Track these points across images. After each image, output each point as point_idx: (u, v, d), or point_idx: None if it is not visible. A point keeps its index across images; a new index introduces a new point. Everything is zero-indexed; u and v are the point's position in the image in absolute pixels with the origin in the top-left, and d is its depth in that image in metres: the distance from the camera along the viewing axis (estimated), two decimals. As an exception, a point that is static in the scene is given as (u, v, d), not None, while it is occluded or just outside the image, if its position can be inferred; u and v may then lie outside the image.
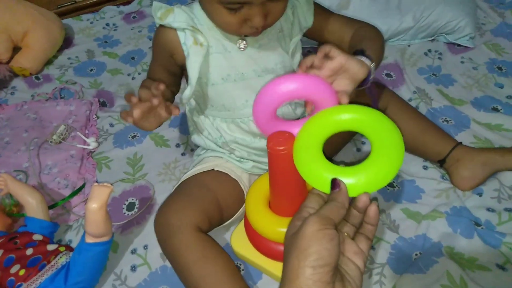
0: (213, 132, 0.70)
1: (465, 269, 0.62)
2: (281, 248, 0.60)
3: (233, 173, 0.70)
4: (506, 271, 0.61)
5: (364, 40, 0.63)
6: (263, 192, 0.63)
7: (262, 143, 0.69)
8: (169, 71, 0.67)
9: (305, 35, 0.69)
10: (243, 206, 0.69)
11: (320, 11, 0.68)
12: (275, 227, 0.59)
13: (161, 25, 0.62)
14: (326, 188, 0.44)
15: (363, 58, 0.55)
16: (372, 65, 0.56)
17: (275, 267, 0.63)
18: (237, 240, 0.67)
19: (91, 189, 0.61)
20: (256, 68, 0.63)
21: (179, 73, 0.68)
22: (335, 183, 0.43)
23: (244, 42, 0.62)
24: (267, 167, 0.65)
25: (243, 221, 0.69)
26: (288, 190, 0.57)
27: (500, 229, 0.67)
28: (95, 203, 0.59)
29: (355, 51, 0.59)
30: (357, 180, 0.43)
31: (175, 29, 0.61)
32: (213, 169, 0.69)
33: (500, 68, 1.00)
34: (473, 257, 0.64)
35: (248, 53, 0.62)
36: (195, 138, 0.74)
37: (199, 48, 0.60)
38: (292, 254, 0.39)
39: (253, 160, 0.71)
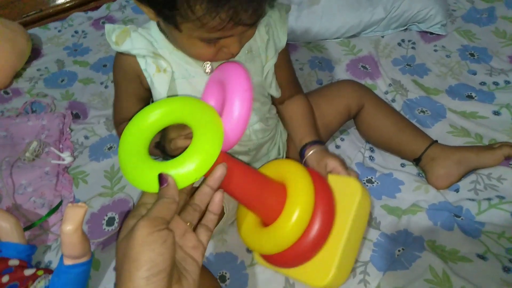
0: None
1: (447, 261, 0.63)
2: (290, 253, 0.55)
3: None
4: (486, 261, 0.62)
5: (311, 122, 0.71)
6: (250, 214, 0.58)
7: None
8: (142, 98, 0.65)
9: None
10: (224, 217, 0.68)
11: (285, 51, 0.67)
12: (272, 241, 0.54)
13: (119, 52, 0.59)
14: (155, 187, 0.43)
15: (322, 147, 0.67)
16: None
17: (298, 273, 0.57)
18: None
19: (65, 211, 0.59)
20: None
21: (149, 97, 0.65)
22: (161, 179, 0.42)
23: (209, 65, 0.60)
24: None
25: None
26: (253, 198, 0.53)
27: (479, 218, 0.68)
28: (70, 225, 0.57)
29: (315, 141, 0.67)
30: (185, 169, 0.43)
31: (134, 56, 0.59)
32: None
33: (472, 55, 1.01)
34: (455, 249, 0.65)
35: None
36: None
37: (163, 75, 0.58)
38: (124, 265, 0.36)
39: None
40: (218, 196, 0.46)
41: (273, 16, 0.63)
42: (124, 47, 0.58)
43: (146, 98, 0.66)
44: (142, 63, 0.59)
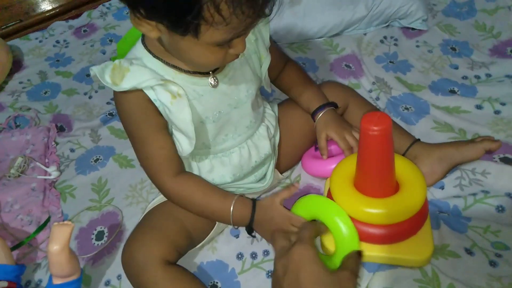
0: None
1: (438, 257, 0.64)
2: (367, 229, 0.61)
3: None
4: (473, 256, 0.63)
5: (314, 88, 0.77)
6: (348, 171, 0.64)
7: (243, 181, 0.70)
8: (166, 127, 0.61)
9: None
10: (215, 227, 0.68)
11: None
12: (361, 207, 0.60)
13: (120, 92, 0.56)
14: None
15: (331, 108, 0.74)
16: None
17: (375, 250, 0.63)
18: (328, 238, 0.64)
19: (51, 230, 0.59)
20: (231, 102, 0.63)
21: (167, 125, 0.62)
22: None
23: (214, 78, 0.60)
24: (238, 190, 0.70)
25: None
26: (377, 170, 0.59)
27: (466, 214, 0.69)
28: (56, 244, 0.57)
29: (327, 104, 0.74)
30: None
31: (139, 90, 0.56)
32: None
33: (453, 49, 1.02)
34: (444, 243, 0.65)
35: (220, 89, 0.61)
36: None
37: (179, 100, 0.56)
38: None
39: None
40: None
41: None
42: (130, 84, 0.54)
43: (167, 127, 0.62)
44: (151, 94, 0.56)
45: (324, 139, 0.72)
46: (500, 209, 0.68)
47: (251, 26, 0.49)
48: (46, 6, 1.40)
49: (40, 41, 1.28)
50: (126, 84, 0.55)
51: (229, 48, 0.52)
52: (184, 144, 0.59)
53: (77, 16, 1.35)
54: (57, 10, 1.38)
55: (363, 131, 0.56)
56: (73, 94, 1.08)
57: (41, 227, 0.78)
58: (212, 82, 0.60)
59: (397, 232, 0.62)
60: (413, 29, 1.08)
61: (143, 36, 0.59)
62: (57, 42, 1.27)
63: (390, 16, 1.07)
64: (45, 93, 1.10)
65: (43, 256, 0.75)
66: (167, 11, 0.45)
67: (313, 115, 0.74)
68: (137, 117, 0.59)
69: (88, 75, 1.13)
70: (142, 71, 0.55)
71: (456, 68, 0.97)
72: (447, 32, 1.06)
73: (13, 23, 1.35)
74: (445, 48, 1.02)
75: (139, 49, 0.59)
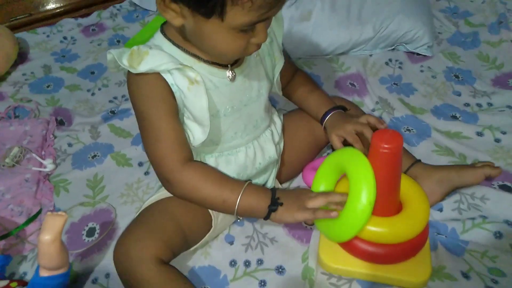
0: None
1: (434, 279, 0.63)
2: (367, 247, 0.60)
3: None
4: (469, 280, 0.63)
5: (322, 94, 0.77)
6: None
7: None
8: (178, 114, 0.59)
9: None
10: (210, 231, 0.67)
11: None
12: (366, 225, 0.58)
13: (136, 75, 0.56)
14: None
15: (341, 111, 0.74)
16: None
17: (374, 269, 0.62)
18: (326, 253, 0.64)
19: (44, 219, 0.57)
20: (243, 98, 0.63)
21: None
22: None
23: (232, 72, 0.60)
24: None
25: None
26: (383, 188, 0.58)
27: (463, 237, 0.68)
28: (48, 234, 0.55)
29: (336, 108, 0.74)
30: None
31: (157, 73, 0.56)
32: None
33: (457, 76, 1.03)
34: (441, 265, 0.65)
35: (236, 84, 0.61)
36: None
37: (197, 86, 0.56)
38: None
39: None
40: None
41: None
42: (147, 66, 0.54)
43: (178, 113, 0.60)
44: (168, 78, 0.56)
45: (337, 140, 0.70)
46: (498, 235, 0.68)
47: (275, 9, 0.50)
48: (56, 3, 1.40)
49: (48, 36, 1.28)
50: (143, 67, 0.54)
51: (251, 38, 0.53)
52: (197, 133, 0.59)
53: (87, 15, 1.36)
54: (67, 8, 1.39)
55: (374, 147, 0.55)
56: (76, 90, 1.08)
57: (31, 219, 0.76)
58: (230, 75, 0.60)
59: (398, 253, 0.61)
60: (418, 54, 1.10)
61: (162, 27, 0.60)
62: (65, 38, 1.28)
63: (396, 39, 1.09)
64: (48, 86, 1.10)
65: (30, 249, 0.73)
66: None
67: (322, 120, 0.74)
68: (153, 97, 0.57)
69: (93, 72, 1.13)
70: (161, 55, 0.55)
71: (459, 95, 0.99)
72: (451, 60, 1.08)
73: (23, 16, 1.36)
74: (449, 75, 1.04)
75: (158, 38, 0.59)
